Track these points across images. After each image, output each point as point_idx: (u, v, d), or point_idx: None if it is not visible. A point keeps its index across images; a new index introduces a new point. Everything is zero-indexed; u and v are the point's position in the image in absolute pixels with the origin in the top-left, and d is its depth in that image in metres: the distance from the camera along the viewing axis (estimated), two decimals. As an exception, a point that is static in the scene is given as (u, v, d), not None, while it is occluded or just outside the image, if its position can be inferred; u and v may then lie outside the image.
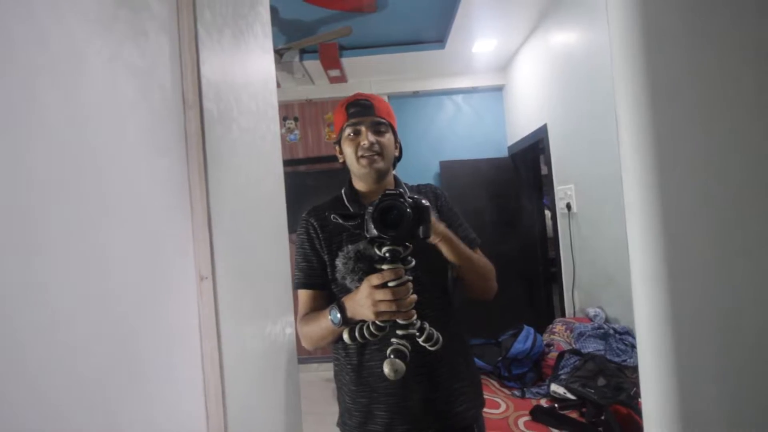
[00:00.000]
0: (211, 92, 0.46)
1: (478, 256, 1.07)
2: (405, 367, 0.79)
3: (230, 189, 0.48)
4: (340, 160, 1.11)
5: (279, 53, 2.82)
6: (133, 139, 0.36)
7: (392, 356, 0.80)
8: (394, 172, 1.14)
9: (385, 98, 3.95)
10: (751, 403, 0.59)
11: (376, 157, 1.03)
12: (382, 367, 0.96)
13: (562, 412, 1.85)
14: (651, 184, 0.64)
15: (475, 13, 2.78)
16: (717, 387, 0.59)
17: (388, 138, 1.06)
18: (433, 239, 0.95)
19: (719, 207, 0.55)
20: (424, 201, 0.81)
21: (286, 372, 0.55)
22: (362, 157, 1.03)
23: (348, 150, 1.05)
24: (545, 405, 1.93)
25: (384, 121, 1.06)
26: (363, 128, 1.03)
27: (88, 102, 0.31)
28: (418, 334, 0.83)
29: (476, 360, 2.28)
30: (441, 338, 0.85)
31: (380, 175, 1.06)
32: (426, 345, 0.84)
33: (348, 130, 1.05)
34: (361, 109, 1.04)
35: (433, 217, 0.92)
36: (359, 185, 1.10)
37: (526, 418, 1.88)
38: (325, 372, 3.84)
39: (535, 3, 2.71)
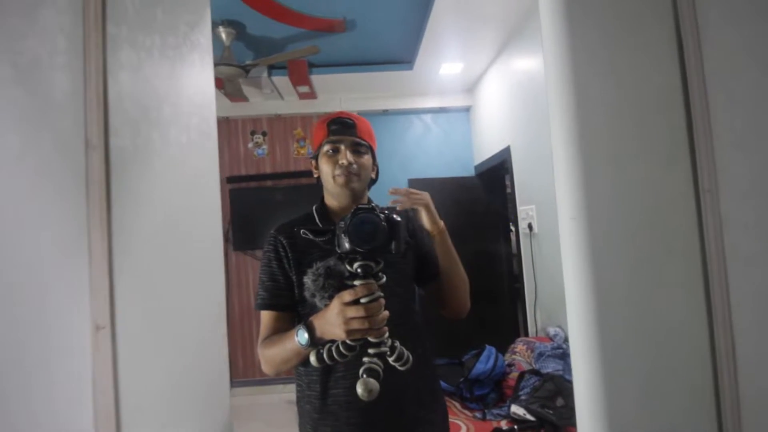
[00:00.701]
0: (127, 129, 0.44)
1: (461, 267, 1.09)
2: (379, 387, 0.75)
3: (147, 227, 0.46)
4: (315, 175, 1.09)
5: (245, 69, 2.79)
6: (21, 187, 0.34)
7: (365, 375, 0.76)
8: (368, 193, 1.13)
9: (355, 116, 3.97)
10: (668, 409, 0.64)
11: (352, 177, 1.01)
12: (346, 395, 0.94)
13: (520, 434, 1.86)
14: (580, 215, 0.68)
15: (441, 38, 2.86)
16: (638, 389, 0.63)
17: (366, 159, 1.05)
18: (433, 231, 1.04)
19: (634, 237, 0.59)
20: (396, 216, 0.80)
21: (213, 415, 0.52)
22: (339, 176, 1.01)
23: (325, 167, 1.03)
24: (505, 427, 1.93)
25: (364, 142, 1.05)
26: (342, 147, 1.02)
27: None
28: (389, 352, 0.79)
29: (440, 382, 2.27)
30: (411, 357, 0.82)
31: (355, 195, 1.05)
32: (396, 364, 0.81)
33: (327, 147, 1.03)
34: (342, 127, 1.03)
35: (434, 211, 1.04)
36: (332, 203, 1.08)
37: (486, 441, 1.87)
38: (288, 394, 3.73)
39: (498, 30, 2.82)
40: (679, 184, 0.59)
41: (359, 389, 0.74)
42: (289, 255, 1.00)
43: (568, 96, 0.66)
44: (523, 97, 2.80)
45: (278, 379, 3.79)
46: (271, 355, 0.94)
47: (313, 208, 1.09)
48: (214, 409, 0.52)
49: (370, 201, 1.12)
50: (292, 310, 1.00)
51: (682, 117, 0.58)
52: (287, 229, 1.04)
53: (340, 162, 1.01)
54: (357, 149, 1.03)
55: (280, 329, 0.97)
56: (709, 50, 0.55)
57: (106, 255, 0.41)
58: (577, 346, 0.72)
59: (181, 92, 0.55)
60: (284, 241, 1.01)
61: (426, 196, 1.06)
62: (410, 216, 1.15)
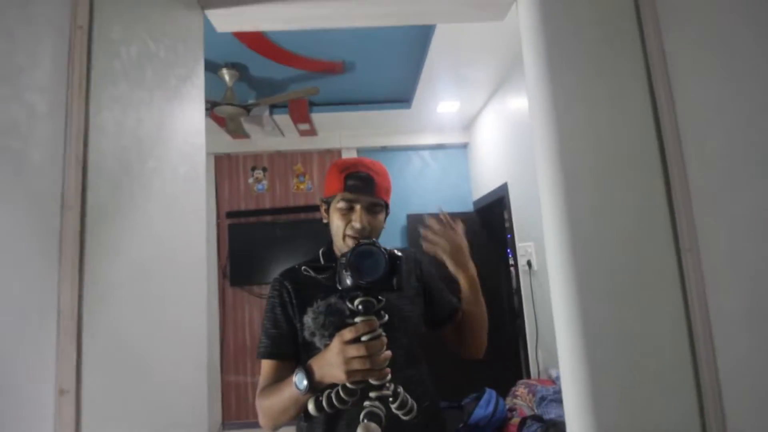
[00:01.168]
0: (106, 186, 0.44)
1: (484, 310, 1.05)
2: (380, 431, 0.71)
3: (122, 286, 0.45)
4: (324, 220, 1.05)
5: (247, 109, 2.87)
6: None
7: (366, 420, 0.72)
8: None
9: (354, 153, 4.03)
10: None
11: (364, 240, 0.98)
12: None
13: (523, 487, 1.76)
14: (565, 248, 0.68)
15: (437, 78, 2.95)
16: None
17: (380, 218, 1.00)
18: (459, 277, 0.96)
19: (618, 268, 0.59)
20: (397, 251, 0.78)
21: None
22: (350, 237, 0.97)
23: (336, 222, 0.99)
24: (507, 478, 1.83)
25: (381, 201, 1.00)
26: (358, 207, 0.97)
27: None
28: (391, 398, 0.76)
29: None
30: (415, 406, 0.79)
31: None
32: (400, 413, 0.77)
33: (341, 203, 0.98)
34: (360, 183, 0.97)
35: (462, 256, 0.97)
36: (338, 251, 1.04)
37: (487, 494, 1.77)
38: (282, 437, 3.58)
39: (492, 70, 2.91)
40: (660, 241, 0.59)
41: None
42: (293, 301, 0.97)
43: (551, 144, 0.67)
44: (519, 134, 2.85)
45: (272, 421, 3.63)
46: (269, 405, 0.89)
47: (320, 251, 1.07)
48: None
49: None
50: (295, 359, 0.96)
51: (660, 174, 0.58)
52: (292, 273, 1.01)
53: (353, 223, 0.96)
54: (373, 209, 0.98)
55: (282, 379, 0.91)
56: (682, 106, 0.56)
57: (75, 316, 0.40)
58: (568, 385, 0.71)
59: (169, 144, 0.55)
60: (289, 286, 0.98)
61: (453, 240, 0.97)
62: (418, 258, 1.12)
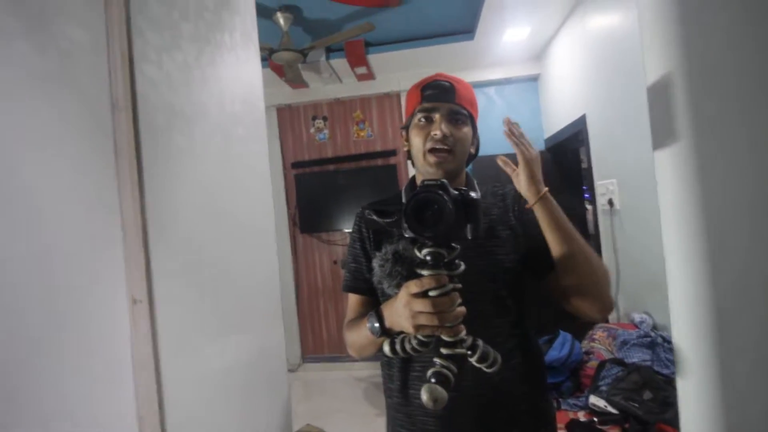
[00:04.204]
0: (159, 99, 0.41)
1: (589, 248, 0.81)
2: (447, 396, 0.64)
3: (188, 200, 0.44)
4: (405, 149, 0.95)
5: (303, 53, 2.81)
6: (46, 151, 0.33)
7: (432, 380, 0.65)
8: (465, 171, 0.96)
9: (414, 94, 3.85)
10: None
11: (446, 154, 0.87)
12: None
13: (601, 428, 1.71)
14: (689, 181, 0.55)
15: (504, 0, 2.63)
16: (764, 402, 0.49)
17: (465, 131, 0.88)
18: (529, 197, 0.78)
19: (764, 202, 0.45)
20: (472, 194, 0.67)
21: (267, 390, 0.50)
22: (431, 151, 0.86)
23: (416, 140, 0.89)
24: (583, 419, 1.79)
25: (464, 110, 0.88)
26: (437, 116, 0.87)
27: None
28: (469, 353, 0.67)
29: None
30: (499, 358, 0.69)
31: (449, 176, 0.87)
32: (481, 366, 0.68)
33: (419, 116, 0.89)
34: (438, 92, 0.88)
35: (537, 173, 0.78)
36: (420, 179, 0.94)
37: (562, 432, 1.75)
38: (356, 371, 3.83)
39: (570, -16, 2.53)
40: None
41: (423, 396, 0.63)
42: (371, 236, 0.93)
43: (671, 29, 0.52)
44: (601, 58, 2.49)
45: (346, 356, 3.90)
46: (351, 340, 0.89)
47: (403, 187, 0.99)
48: (269, 386, 0.50)
49: (470, 182, 0.96)
50: (376, 294, 0.92)
51: None
52: (373, 208, 0.95)
53: (433, 133, 0.86)
54: (455, 118, 0.87)
55: (365, 313, 0.87)
56: None
57: (140, 227, 0.39)
58: (686, 346, 0.57)
59: (222, 67, 0.52)
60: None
61: (534, 151, 0.78)
62: (511, 194, 0.95)
